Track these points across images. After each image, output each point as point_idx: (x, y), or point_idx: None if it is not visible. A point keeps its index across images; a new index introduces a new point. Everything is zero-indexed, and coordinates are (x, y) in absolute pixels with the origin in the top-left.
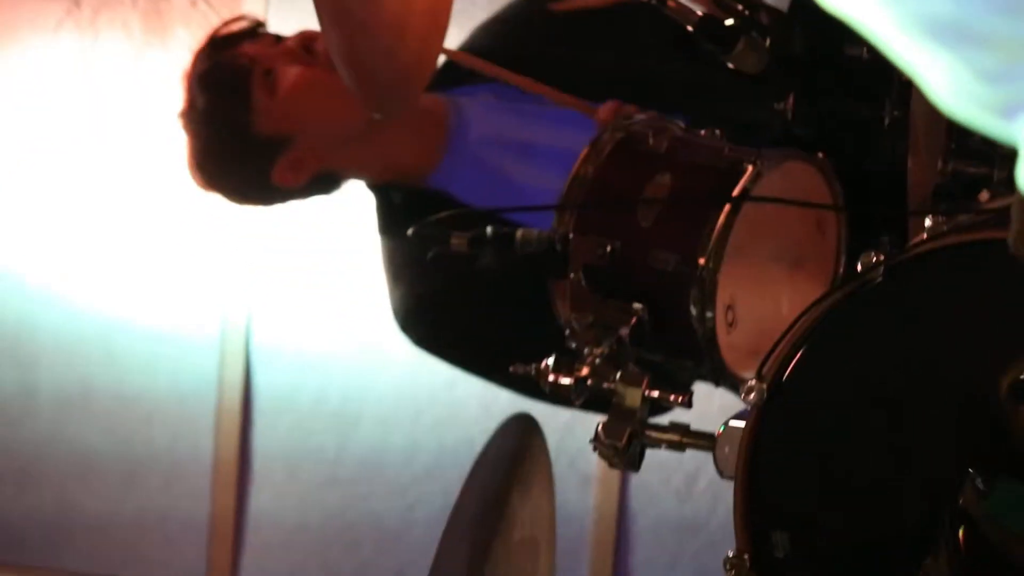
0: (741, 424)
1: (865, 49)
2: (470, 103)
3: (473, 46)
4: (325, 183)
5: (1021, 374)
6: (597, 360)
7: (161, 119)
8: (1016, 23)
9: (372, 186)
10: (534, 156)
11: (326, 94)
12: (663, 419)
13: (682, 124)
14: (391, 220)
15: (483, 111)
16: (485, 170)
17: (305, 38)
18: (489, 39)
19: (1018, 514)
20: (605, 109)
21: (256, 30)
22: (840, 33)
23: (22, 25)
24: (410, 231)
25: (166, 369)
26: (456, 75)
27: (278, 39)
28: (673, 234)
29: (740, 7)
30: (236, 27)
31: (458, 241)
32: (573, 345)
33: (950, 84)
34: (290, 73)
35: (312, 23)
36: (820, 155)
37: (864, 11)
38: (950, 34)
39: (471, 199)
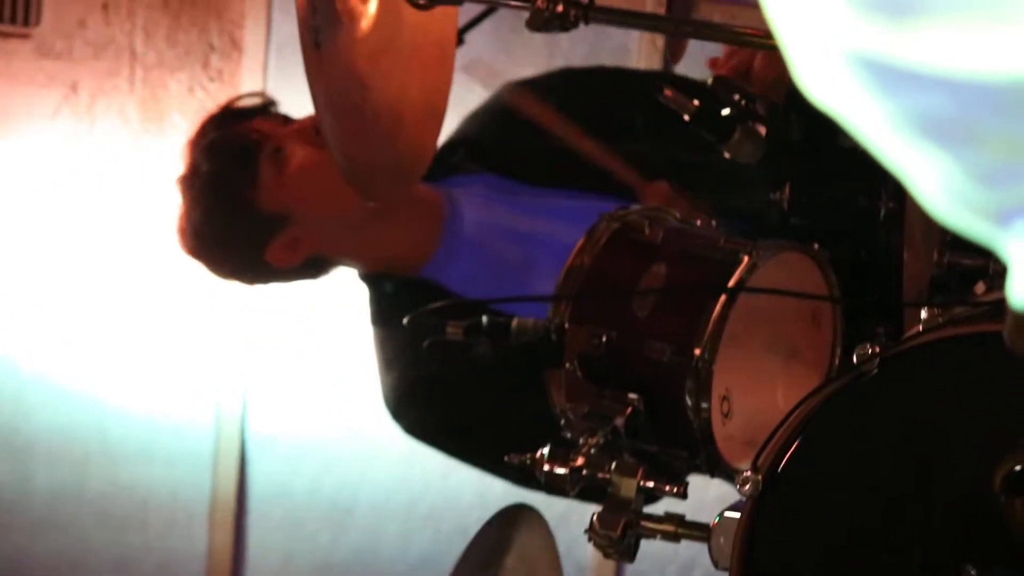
0: (736, 515)
1: None
2: (465, 194)
3: (461, 137)
4: (315, 267)
5: (1015, 467)
6: (592, 450)
7: (158, 205)
8: (1016, 125)
9: (364, 276)
10: (529, 247)
11: (331, 178)
12: (658, 507)
13: (678, 214)
14: (383, 310)
15: (478, 202)
16: (479, 261)
17: (316, 120)
18: (476, 131)
19: None
20: (655, 189)
21: (268, 107)
22: (837, 123)
23: (19, 112)
24: (406, 320)
25: (161, 457)
26: (451, 165)
27: (287, 119)
28: (669, 324)
29: (737, 97)
30: (249, 102)
31: (454, 330)
32: (568, 435)
33: (942, 186)
34: (299, 153)
35: (308, 108)
36: (816, 246)
37: (855, 107)
38: (945, 133)
39: (464, 290)
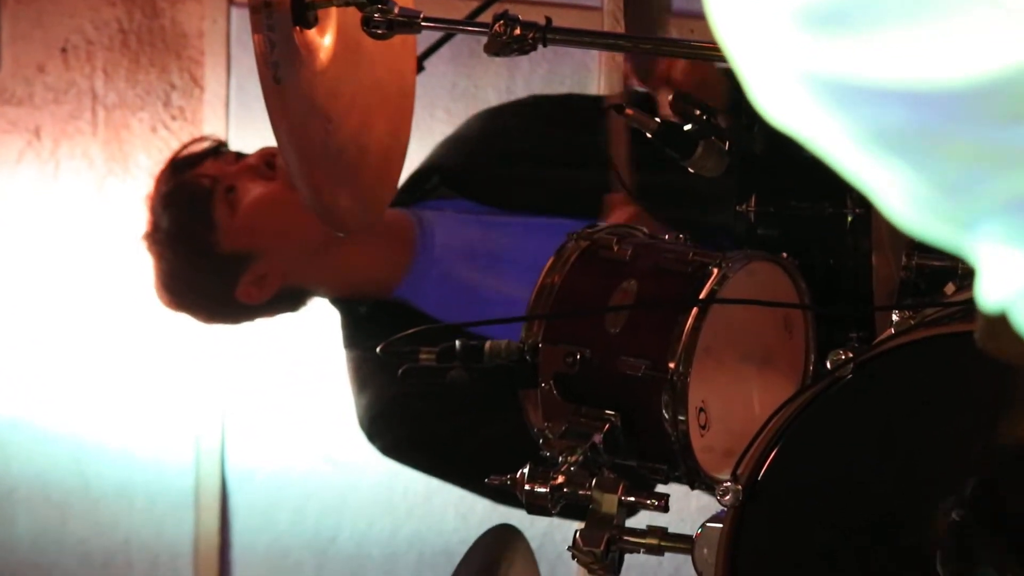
0: (718, 526)
1: None
2: (435, 216)
3: (435, 164)
4: (291, 300)
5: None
6: (572, 468)
7: (125, 245)
8: (975, 131)
9: (335, 300)
10: (500, 267)
11: (288, 209)
12: (641, 519)
13: (645, 230)
14: (357, 332)
15: (448, 224)
16: (451, 282)
17: (266, 154)
18: (449, 157)
19: None
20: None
21: (218, 149)
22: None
23: None
24: (378, 349)
25: (141, 495)
26: (422, 190)
27: (239, 156)
28: (642, 340)
29: (698, 112)
30: (198, 147)
31: (427, 356)
32: (547, 454)
33: (907, 197)
34: (252, 189)
35: (273, 142)
36: (785, 255)
37: (815, 125)
38: (906, 144)
39: (437, 311)
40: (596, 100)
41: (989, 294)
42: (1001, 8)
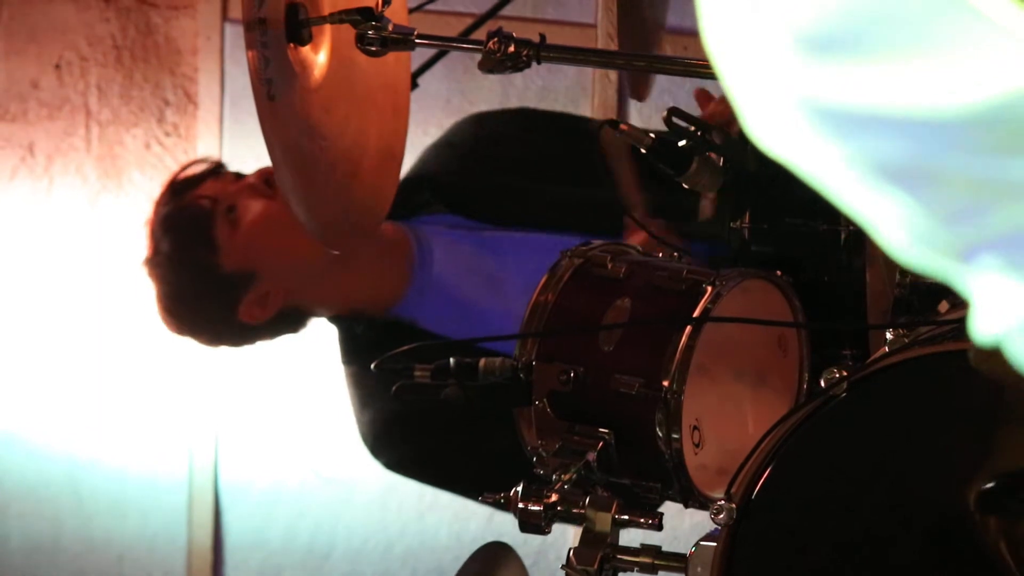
0: (713, 544)
1: None
2: (432, 232)
3: (426, 174)
4: (292, 321)
5: (987, 484)
6: (566, 486)
7: (119, 262)
8: (974, 161)
9: (333, 317)
10: (496, 283)
11: (289, 227)
12: (634, 537)
13: (639, 248)
14: (355, 349)
15: (445, 240)
16: (449, 299)
17: (265, 173)
18: (440, 167)
19: None
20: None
21: (217, 170)
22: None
23: None
24: (372, 366)
25: (135, 511)
26: (417, 204)
27: (238, 176)
28: (636, 357)
29: (693, 128)
30: (196, 169)
31: (421, 373)
32: (541, 472)
33: (903, 226)
34: (252, 208)
35: (267, 160)
36: (779, 272)
37: (809, 151)
38: (904, 174)
39: (435, 327)
40: (583, 120)
41: (983, 326)
42: (1002, 35)
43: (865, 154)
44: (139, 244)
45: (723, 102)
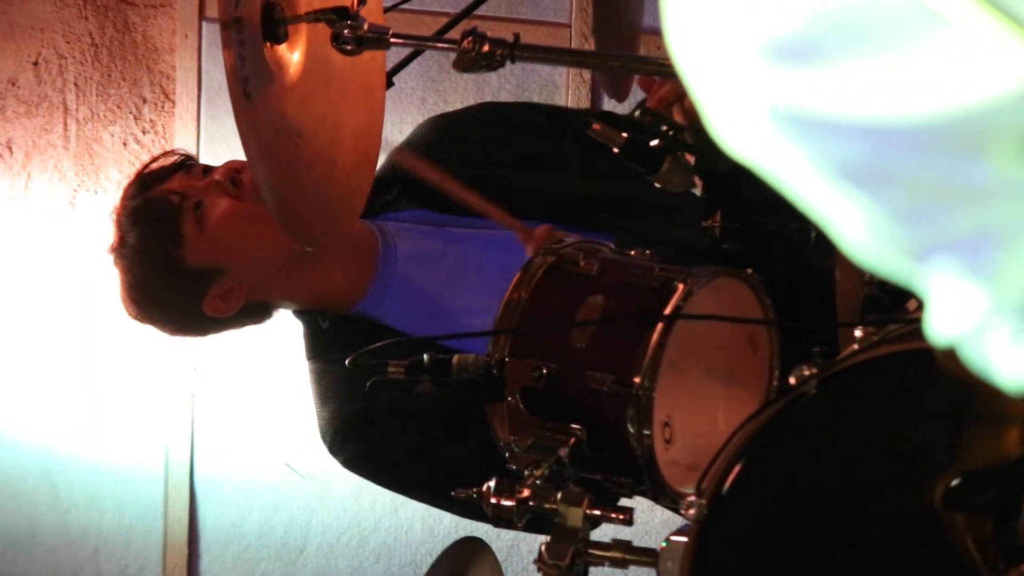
0: (683, 539)
1: None
2: (398, 229)
3: (395, 173)
4: (257, 312)
5: (954, 481)
6: (538, 481)
7: (96, 258)
8: (934, 165)
9: (298, 312)
10: (463, 280)
11: (255, 225)
12: (606, 532)
13: (612, 245)
14: (319, 344)
15: (411, 236)
16: (414, 295)
17: (231, 169)
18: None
19: None
20: (538, 232)
21: (185, 163)
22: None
23: None
24: (347, 361)
25: (111, 504)
26: (383, 200)
27: (207, 170)
28: (608, 354)
29: (665, 128)
30: (166, 162)
31: (395, 369)
32: (513, 467)
33: (862, 227)
34: (218, 205)
35: (243, 156)
36: (749, 271)
37: (773, 157)
38: (864, 176)
39: (400, 325)
40: (551, 108)
41: (939, 328)
42: (965, 41)
43: (825, 156)
44: (107, 232)
45: (667, 83)
